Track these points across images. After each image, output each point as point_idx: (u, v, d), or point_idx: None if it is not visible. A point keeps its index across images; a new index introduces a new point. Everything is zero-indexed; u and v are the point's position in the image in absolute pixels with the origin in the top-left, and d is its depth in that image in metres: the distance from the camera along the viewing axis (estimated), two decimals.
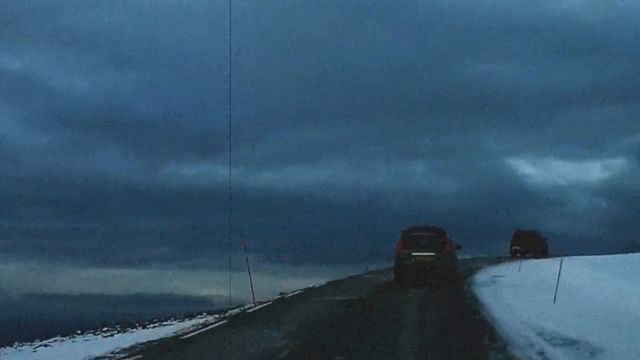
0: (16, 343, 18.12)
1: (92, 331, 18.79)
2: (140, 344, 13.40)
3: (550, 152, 74.78)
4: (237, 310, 18.93)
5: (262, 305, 19.42)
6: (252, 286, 20.57)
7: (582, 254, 35.03)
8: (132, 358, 11.47)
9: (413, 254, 23.75)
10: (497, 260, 41.75)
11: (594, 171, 77.48)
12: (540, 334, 12.11)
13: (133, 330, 18.00)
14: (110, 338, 16.23)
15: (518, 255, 43.51)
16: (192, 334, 14.27)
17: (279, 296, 22.60)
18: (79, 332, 18.80)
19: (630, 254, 32.50)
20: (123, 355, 11.90)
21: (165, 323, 18.84)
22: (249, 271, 20.52)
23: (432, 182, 65.94)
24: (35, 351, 15.77)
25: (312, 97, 67.24)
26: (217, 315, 18.44)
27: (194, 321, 17.80)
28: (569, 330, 12.15)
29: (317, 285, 26.71)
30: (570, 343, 10.96)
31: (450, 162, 69.11)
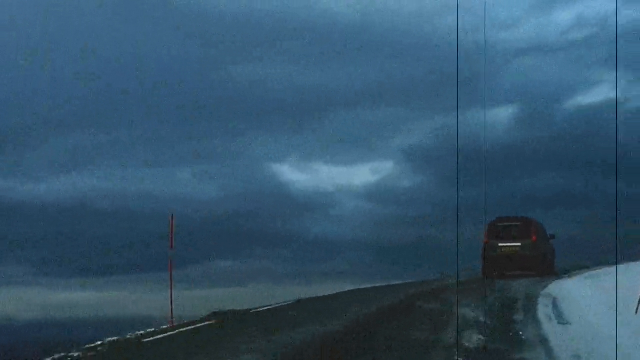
0: None
1: None
2: None
3: (317, 156, 76.28)
4: None
5: None
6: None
7: None
8: None
9: (499, 245, 23.49)
10: None
11: (362, 174, 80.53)
12: None
13: None
14: None
15: None
16: None
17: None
18: None
19: None
20: None
21: None
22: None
23: (197, 187, 66.56)
24: None
25: (75, 103, 66.20)
26: None
27: None
28: None
29: None
30: None
31: (215, 167, 69.56)
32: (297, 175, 76.07)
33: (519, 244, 23.45)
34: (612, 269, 19.32)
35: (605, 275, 20.25)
